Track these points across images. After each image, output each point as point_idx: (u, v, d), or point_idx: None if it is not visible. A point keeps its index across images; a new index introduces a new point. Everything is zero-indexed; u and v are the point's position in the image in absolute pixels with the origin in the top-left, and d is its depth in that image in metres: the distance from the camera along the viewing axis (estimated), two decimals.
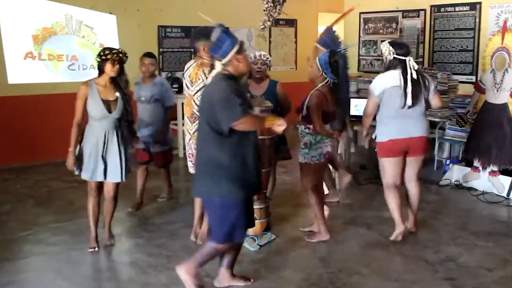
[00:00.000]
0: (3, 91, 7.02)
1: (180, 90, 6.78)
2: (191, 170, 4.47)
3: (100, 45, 7.66)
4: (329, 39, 4.99)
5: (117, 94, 4.15)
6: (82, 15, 7.54)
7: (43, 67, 7.32)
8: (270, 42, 9.53)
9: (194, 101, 4.27)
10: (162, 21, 8.35)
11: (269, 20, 5.98)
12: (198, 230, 4.48)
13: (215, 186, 3.26)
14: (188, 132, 4.39)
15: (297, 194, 5.66)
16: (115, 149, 4.17)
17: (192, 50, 8.57)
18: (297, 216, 5.15)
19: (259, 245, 4.38)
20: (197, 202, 4.47)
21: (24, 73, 7.19)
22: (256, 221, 4.50)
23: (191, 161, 4.40)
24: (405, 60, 4.37)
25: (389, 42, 4.49)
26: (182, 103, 4.61)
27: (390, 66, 4.43)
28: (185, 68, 4.39)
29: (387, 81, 4.40)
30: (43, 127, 7.25)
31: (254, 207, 4.54)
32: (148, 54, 5.34)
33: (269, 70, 5.36)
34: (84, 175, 4.20)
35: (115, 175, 4.20)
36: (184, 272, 3.44)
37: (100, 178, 4.19)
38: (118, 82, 4.18)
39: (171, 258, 4.19)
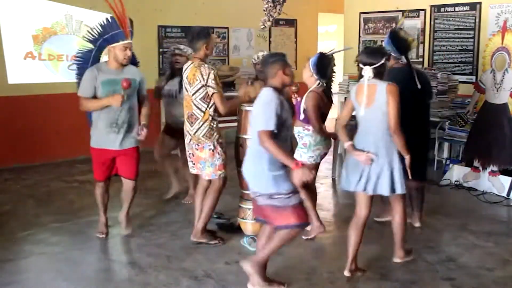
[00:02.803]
0: (3, 91, 7.01)
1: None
2: (192, 170, 4.45)
3: None
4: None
5: None
6: (82, 15, 7.53)
7: (43, 67, 7.32)
8: (270, 42, 9.53)
9: (193, 101, 4.21)
10: (162, 21, 8.35)
11: (269, 20, 5.97)
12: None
13: None
14: (188, 133, 4.31)
15: None
16: None
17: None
18: None
19: None
20: (198, 201, 4.46)
21: (24, 73, 7.18)
22: (256, 221, 4.50)
23: (192, 161, 4.37)
24: None
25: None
26: None
27: None
28: (183, 70, 4.35)
29: None
30: (43, 127, 7.24)
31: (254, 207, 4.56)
32: None
33: None
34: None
35: None
36: None
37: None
38: None
39: (171, 258, 4.19)
